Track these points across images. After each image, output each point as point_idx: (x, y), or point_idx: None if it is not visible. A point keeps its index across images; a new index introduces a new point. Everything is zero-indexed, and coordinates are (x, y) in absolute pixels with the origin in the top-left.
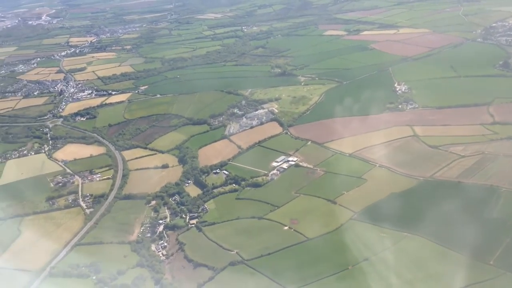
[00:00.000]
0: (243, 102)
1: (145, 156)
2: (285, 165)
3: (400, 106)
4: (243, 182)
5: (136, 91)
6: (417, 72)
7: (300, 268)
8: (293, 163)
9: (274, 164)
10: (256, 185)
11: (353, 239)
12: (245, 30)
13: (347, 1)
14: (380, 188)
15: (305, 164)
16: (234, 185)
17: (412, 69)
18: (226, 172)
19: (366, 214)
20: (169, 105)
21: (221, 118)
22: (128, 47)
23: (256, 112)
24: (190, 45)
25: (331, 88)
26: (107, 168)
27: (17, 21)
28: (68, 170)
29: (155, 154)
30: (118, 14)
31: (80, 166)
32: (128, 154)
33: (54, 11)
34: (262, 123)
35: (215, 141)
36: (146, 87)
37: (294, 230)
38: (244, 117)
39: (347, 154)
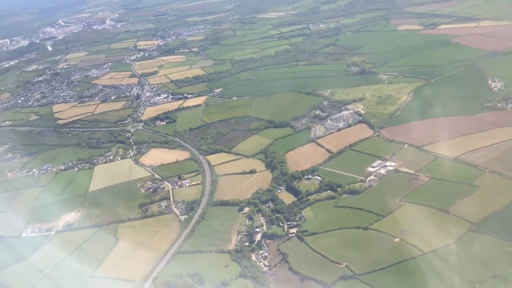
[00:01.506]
0: (325, 103)
1: (231, 161)
2: (382, 171)
3: (499, 105)
4: (339, 189)
5: (211, 94)
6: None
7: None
8: (391, 168)
9: (370, 169)
10: (354, 192)
11: (475, 254)
12: (312, 27)
13: None
14: (496, 196)
15: (405, 169)
16: (329, 191)
17: (504, 64)
18: (319, 178)
19: (485, 225)
20: (246, 107)
21: (304, 120)
22: (196, 49)
23: (341, 113)
24: (257, 45)
25: (418, 87)
26: (195, 173)
27: (82, 26)
28: (156, 176)
29: (240, 158)
30: (180, 16)
31: (168, 172)
32: (213, 158)
33: (117, 15)
34: (349, 125)
35: (302, 145)
36: (220, 89)
37: (406, 242)
38: (328, 119)
39: (451, 158)
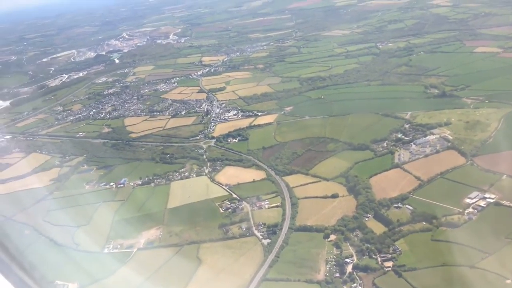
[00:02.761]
0: (406, 126)
1: (310, 183)
2: (482, 203)
3: None
4: (434, 221)
5: (282, 112)
6: None
7: None
8: (491, 200)
9: (468, 200)
10: (452, 225)
11: None
12: (380, 46)
13: (488, 16)
14: None
15: (507, 203)
16: (423, 223)
17: None
18: (410, 207)
19: None
20: (320, 127)
21: (385, 144)
22: (261, 66)
23: (426, 138)
24: (324, 63)
25: (509, 113)
26: (273, 194)
27: (146, 39)
28: (234, 195)
29: (319, 181)
30: (241, 32)
31: (245, 191)
32: (290, 180)
33: (179, 30)
34: (437, 151)
35: (386, 170)
36: (291, 108)
37: None
38: (412, 143)
39: None
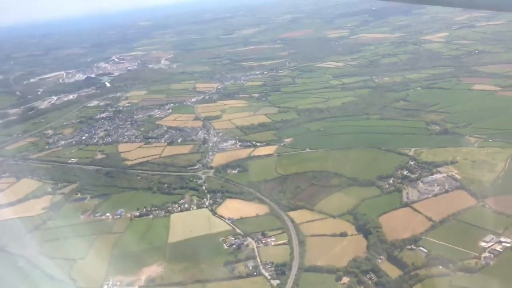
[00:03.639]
0: (411, 163)
1: (316, 220)
2: (498, 247)
3: None
4: (450, 265)
5: (282, 144)
6: None
7: None
8: (507, 245)
9: (483, 244)
10: (469, 270)
11: None
12: (376, 80)
13: (482, 53)
14: None
15: None
16: (439, 267)
17: None
18: (424, 250)
19: None
20: (323, 161)
21: (391, 181)
22: (256, 95)
23: (433, 176)
24: (320, 94)
25: None
26: (279, 231)
27: (137, 64)
28: (238, 230)
29: (326, 218)
30: (234, 60)
31: (249, 227)
32: (295, 215)
33: (171, 55)
34: (446, 191)
35: (395, 208)
36: (290, 139)
37: None
38: (420, 181)
39: None
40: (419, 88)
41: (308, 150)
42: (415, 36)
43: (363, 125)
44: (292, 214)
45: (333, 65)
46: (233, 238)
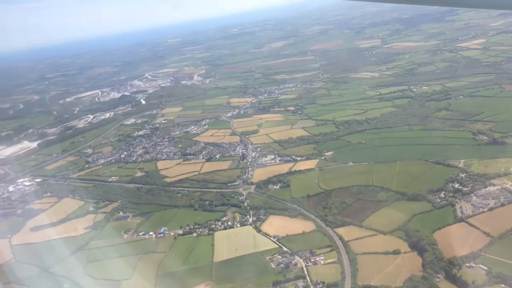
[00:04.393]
0: (462, 175)
1: (366, 237)
2: None
3: None
4: None
5: (323, 158)
6: None
7: None
8: None
9: None
10: None
11: None
12: (414, 89)
13: None
14: None
15: None
16: (502, 285)
17: None
18: (485, 267)
19: None
20: (367, 175)
21: (442, 195)
22: (291, 108)
23: (487, 189)
24: (358, 106)
25: None
26: (328, 249)
27: (169, 80)
28: (284, 248)
29: (376, 234)
30: (266, 74)
31: (296, 244)
32: (343, 232)
33: (203, 71)
34: (502, 204)
35: (449, 224)
36: (331, 153)
37: None
38: (473, 195)
39: None
40: (460, 96)
41: (350, 163)
42: (451, 44)
43: (406, 136)
44: (340, 230)
45: (368, 75)
46: (280, 257)
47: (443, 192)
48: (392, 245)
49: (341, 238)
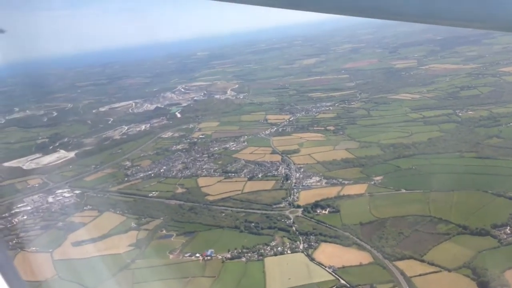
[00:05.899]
0: None
1: (430, 273)
2: None
3: None
4: None
5: (372, 183)
6: None
7: None
8: None
9: None
10: None
11: None
12: (460, 114)
13: None
14: None
15: None
16: None
17: None
18: None
19: None
20: (423, 204)
21: (508, 230)
22: (331, 128)
23: None
24: (401, 128)
25: None
26: (389, 284)
27: (202, 94)
28: (342, 281)
29: (440, 271)
30: (300, 91)
31: (354, 277)
32: (404, 267)
33: (237, 85)
34: None
35: None
36: (380, 178)
37: None
38: None
39: None
40: (511, 124)
41: (403, 190)
42: (492, 68)
43: (458, 164)
44: (400, 264)
45: (408, 97)
46: None
47: (508, 227)
48: (460, 284)
49: (402, 273)
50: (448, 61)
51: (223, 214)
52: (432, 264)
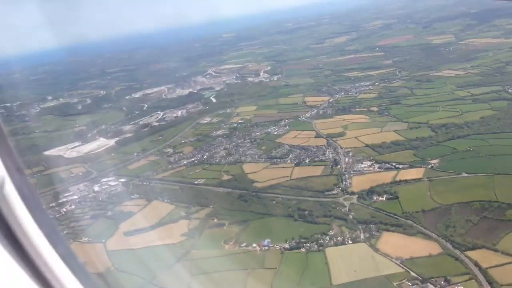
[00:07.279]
0: None
1: (507, 263)
2: None
3: None
4: None
5: (429, 166)
6: None
7: None
8: None
9: None
10: None
11: None
12: (510, 90)
13: None
14: None
15: None
16: None
17: None
18: None
19: None
20: (487, 189)
21: None
22: (375, 108)
23: None
24: (450, 107)
25: None
26: (465, 277)
27: (234, 77)
28: (412, 273)
29: None
30: (336, 71)
31: (425, 269)
32: (476, 257)
33: (269, 67)
34: None
35: None
36: (437, 161)
37: None
38: None
39: None
40: None
41: (464, 174)
42: None
43: None
44: (472, 254)
45: (451, 73)
46: (410, 284)
47: None
48: None
49: (477, 264)
50: (488, 35)
51: (274, 202)
52: (507, 254)
